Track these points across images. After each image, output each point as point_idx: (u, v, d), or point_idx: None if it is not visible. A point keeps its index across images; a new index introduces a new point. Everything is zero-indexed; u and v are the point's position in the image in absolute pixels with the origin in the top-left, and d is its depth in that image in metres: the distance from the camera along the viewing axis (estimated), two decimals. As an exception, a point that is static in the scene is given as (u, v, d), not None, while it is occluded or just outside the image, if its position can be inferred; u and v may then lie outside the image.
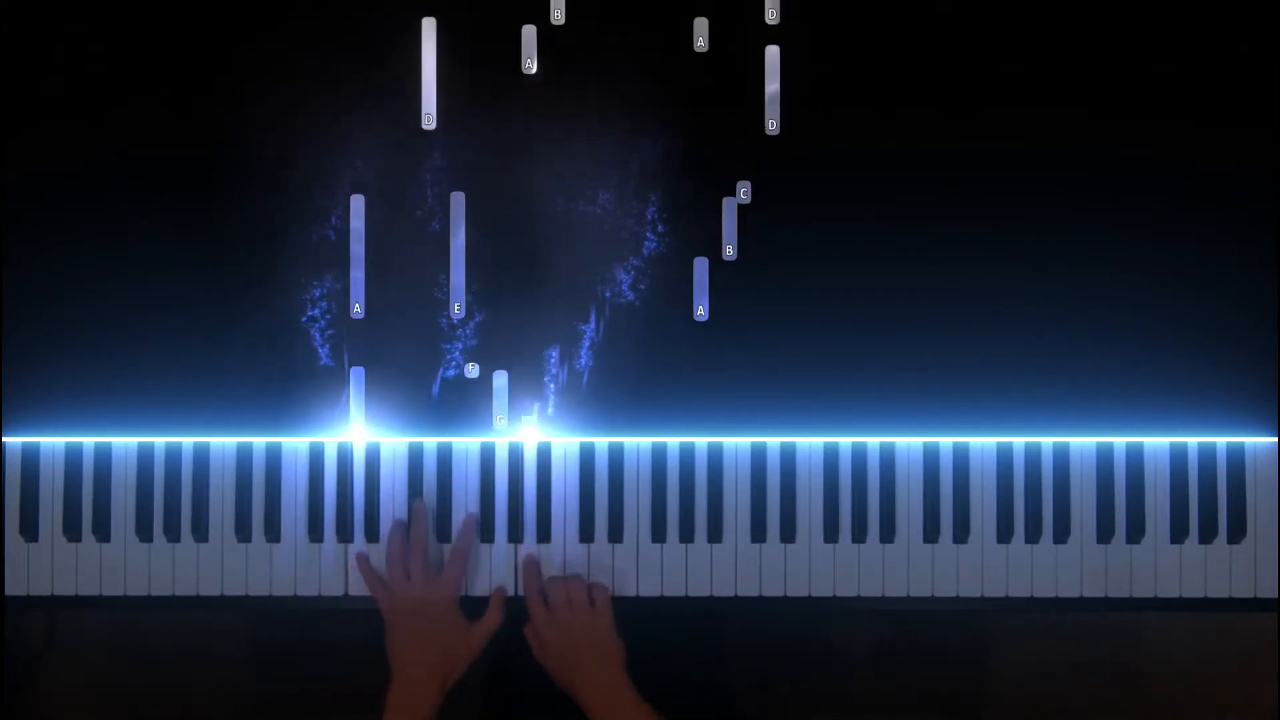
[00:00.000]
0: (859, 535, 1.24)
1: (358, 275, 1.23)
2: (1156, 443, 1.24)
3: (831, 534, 1.24)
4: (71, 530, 1.23)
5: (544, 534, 1.24)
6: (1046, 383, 1.23)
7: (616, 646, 1.18)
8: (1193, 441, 1.24)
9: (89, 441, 1.23)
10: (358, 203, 1.23)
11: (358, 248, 1.23)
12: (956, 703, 1.76)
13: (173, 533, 1.23)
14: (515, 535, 1.24)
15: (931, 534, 1.24)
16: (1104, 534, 1.24)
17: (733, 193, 1.23)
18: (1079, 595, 1.24)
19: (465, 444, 1.24)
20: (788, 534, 1.24)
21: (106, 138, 1.22)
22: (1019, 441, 1.24)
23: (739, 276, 1.23)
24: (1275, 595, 1.24)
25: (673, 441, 1.24)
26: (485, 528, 1.24)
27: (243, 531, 1.23)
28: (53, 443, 1.23)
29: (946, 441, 1.24)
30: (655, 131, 1.22)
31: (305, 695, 1.75)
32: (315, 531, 1.23)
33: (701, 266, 1.23)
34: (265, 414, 1.22)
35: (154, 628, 1.76)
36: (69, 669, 1.75)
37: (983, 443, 1.24)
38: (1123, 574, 1.24)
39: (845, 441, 1.24)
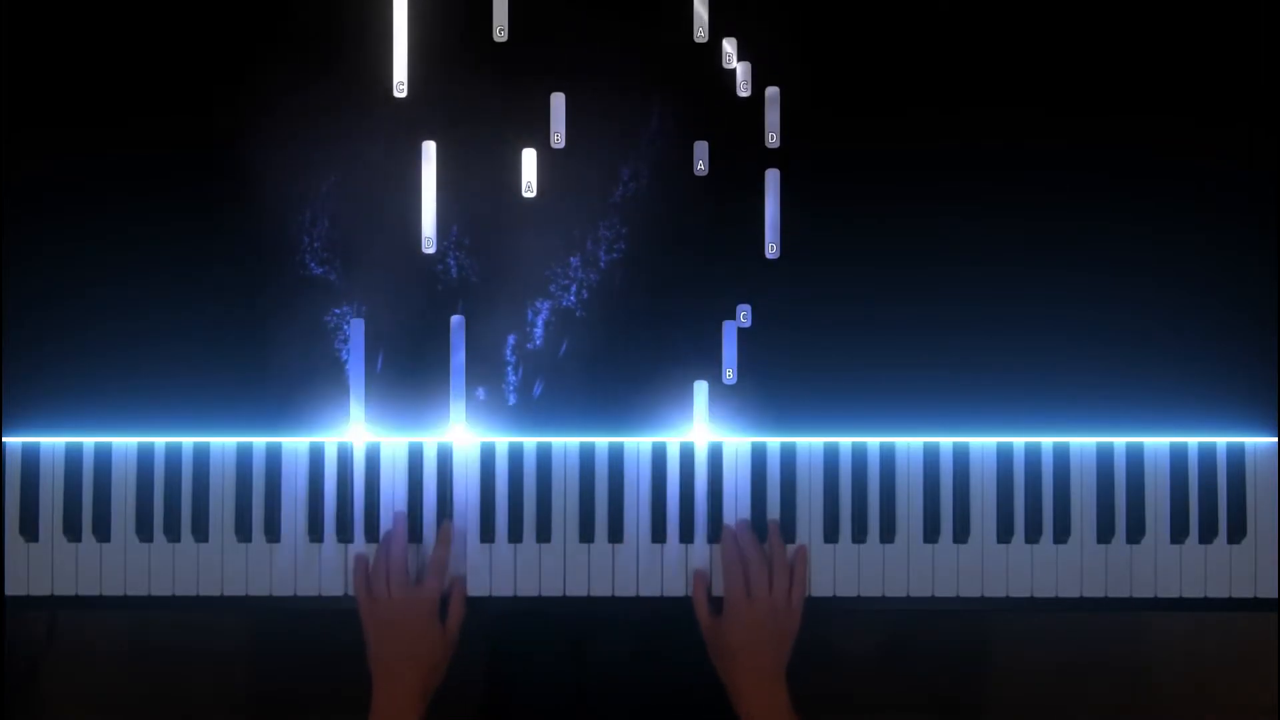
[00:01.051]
0: (859, 535, 1.24)
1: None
2: (1156, 443, 1.24)
3: (831, 534, 1.24)
4: (71, 530, 1.23)
5: (544, 534, 1.24)
6: (1046, 383, 1.23)
7: (789, 650, 1.18)
8: (1193, 441, 1.24)
9: (89, 441, 1.23)
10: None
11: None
12: (956, 703, 1.76)
13: (173, 533, 1.23)
14: (515, 535, 1.24)
15: (931, 534, 1.24)
16: (1104, 534, 1.24)
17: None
18: (1079, 595, 1.24)
19: (465, 445, 1.24)
20: (788, 534, 1.24)
21: (106, 138, 1.22)
22: (1019, 441, 1.24)
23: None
24: (1275, 595, 1.24)
25: (672, 442, 1.24)
26: (485, 528, 1.24)
27: (243, 531, 1.23)
28: (53, 443, 1.23)
29: (946, 441, 1.24)
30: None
31: (305, 695, 1.75)
32: (315, 531, 1.23)
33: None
34: (265, 414, 1.22)
35: (154, 628, 1.76)
36: (69, 669, 1.75)
37: (983, 443, 1.24)
38: (1123, 574, 1.24)
39: (845, 441, 1.24)
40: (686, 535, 1.24)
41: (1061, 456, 1.24)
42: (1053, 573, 1.24)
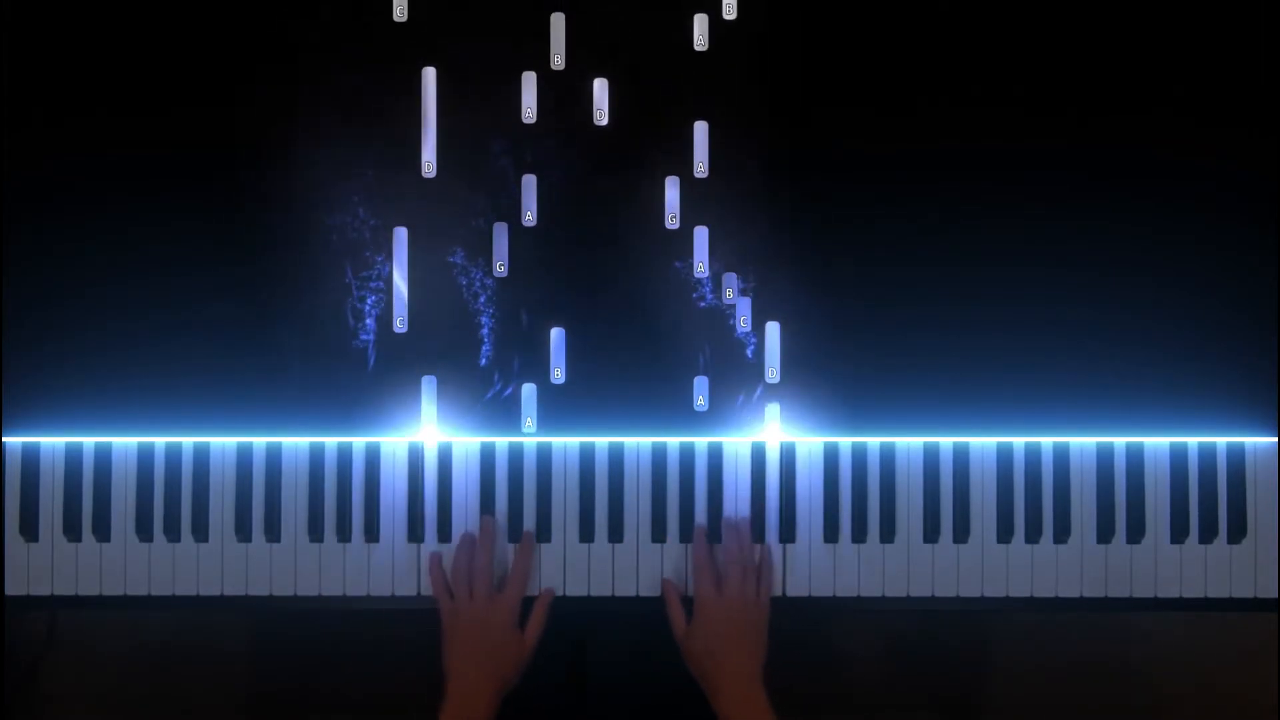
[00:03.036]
0: (859, 535, 1.24)
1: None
2: (1156, 443, 1.24)
3: (832, 534, 1.24)
4: (71, 530, 1.23)
5: (544, 534, 1.24)
6: (1046, 383, 1.23)
7: (764, 647, 1.18)
8: (1193, 441, 1.24)
9: (89, 441, 1.23)
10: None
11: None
12: (956, 703, 1.76)
13: (173, 533, 1.23)
14: (514, 536, 1.24)
15: (931, 534, 1.24)
16: (1104, 534, 1.24)
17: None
18: (1079, 595, 1.24)
19: (465, 444, 1.24)
20: (787, 534, 1.24)
21: (105, 138, 1.22)
22: (1019, 441, 1.24)
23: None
24: (1275, 595, 1.24)
25: (673, 441, 1.24)
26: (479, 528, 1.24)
27: (243, 531, 1.23)
28: (53, 443, 1.23)
29: (946, 441, 1.24)
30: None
31: (305, 695, 1.75)
32: (315, 531, 1.23)
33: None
34: (265, 414, 1.22)
35: (154, 628, 1.76)
36: (69, 669, 1.75)
37: (983, 443, 1.24)
38: (1123, 574, 1.24)
39: (845, 441, 1.24)
40: (686, 535, 1.24)
41: (1061, 456, 1.24)
42: (1053, 573, 1.24)
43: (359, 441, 1.23)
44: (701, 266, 1.23)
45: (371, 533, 1.23)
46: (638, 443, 1.24)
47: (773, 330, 1.23)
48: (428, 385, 1.23)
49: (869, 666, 1.74)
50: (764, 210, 1.23)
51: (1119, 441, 1.24)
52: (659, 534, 1.24)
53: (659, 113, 1.22)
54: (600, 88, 1.22)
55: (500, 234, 1.22)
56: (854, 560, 1.24)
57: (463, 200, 1.22)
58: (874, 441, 1.24)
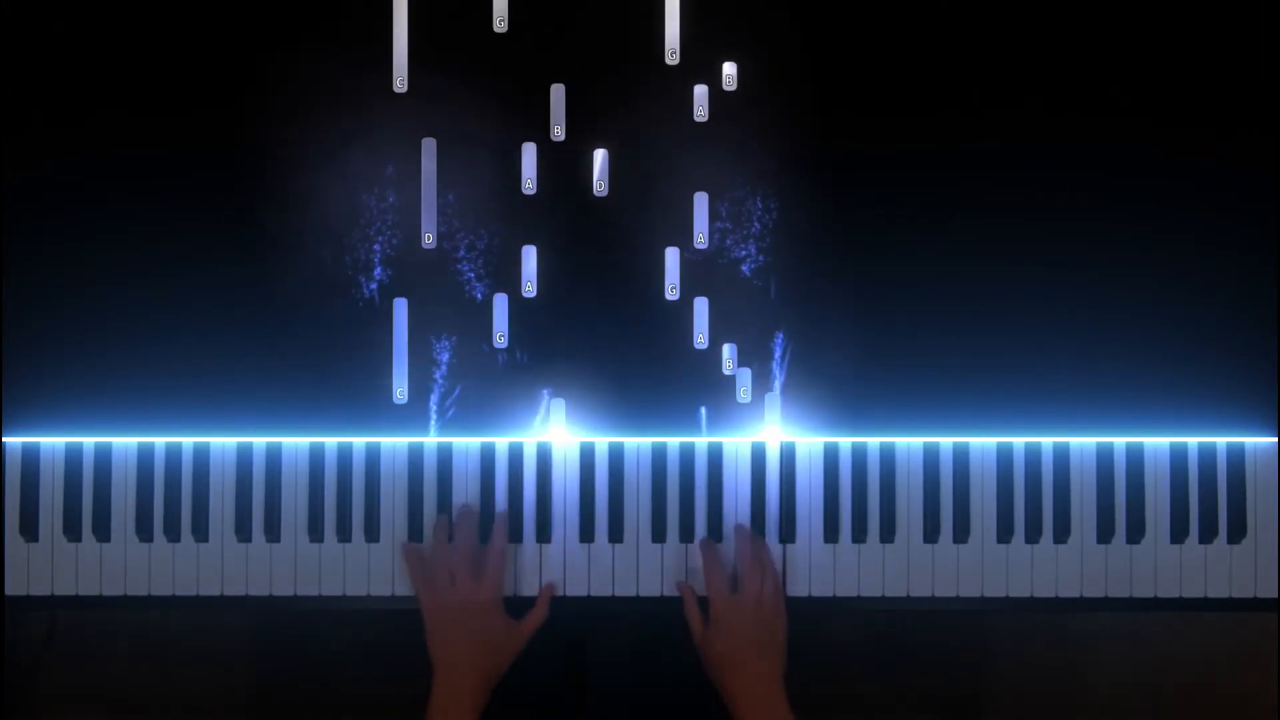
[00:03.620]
0: (859, 535, 1.24)
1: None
2: (1156, 443, 1.24)
3: (832, 534, 1.24)
4: (71, 530, 1.23)
5: (544, 534, 1.24)
6: (1046, 383, 1.23)
7: (783, 651, 1.17)
8: (1193, 441, 1.24)
9: (89, 441, 1.23)
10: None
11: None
12: (956, 703, 1.76)
13: (173, 533, 1.23)
14: (515, 536, 1.24)
15: (931, 534, 1.24)
16: (1104, 534, 1.24)
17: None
18: (1079, 595, 1.24)
19: (465, 444, 1.24)
20: (787, 534, 1.24)
21: (106, 138, 1.22)
22: (1019, 441, 1.24)
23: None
24: (1275, 595, 1.24)
25: (673, 441, 1.24)
26: (485, 528, 1.24)
27: (243, 531, 1.23)
28: (53, 443, 1.23)
29: (946, 441, 1.24)
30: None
31: (305, 695, 1.75)
32: (315, 531, 1.23)
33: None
34: (265, 414, 1.22)
35: (154, 628, 1.76)
36: (69, 669, 1.75)
37: (983, 443, 1.24)
38: (1123, 574, 1.24)
39: (845, 441, 1.24)
40: (686, 535, 1.24)
41: (1061, 456, 1.24)
42: (1053, 573, 1.24)
43: (359, 441, 1.23)
44: (702, 338, 1.23)
45: (371, 533, 1.23)
46: (638, 443, 1.24)
47: (773, 391, 1.23)
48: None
49: (869, 666, 1.74)
50: (767, 280, 1.23)
51: (1119, 441, 1.24)
52: (659, 534, 1.24)
53: (659, 184, 1.22)
54: (600, 158, 1.22)
55: (500, 305, 1.22)
56: (854, 560, 1.24)
57: (464, 270, 1.22)
58: (874, 441, 1.24)
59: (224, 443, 1.24)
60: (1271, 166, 1.23)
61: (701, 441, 1.24)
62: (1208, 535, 1.24)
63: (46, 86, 1.22)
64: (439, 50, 1.22)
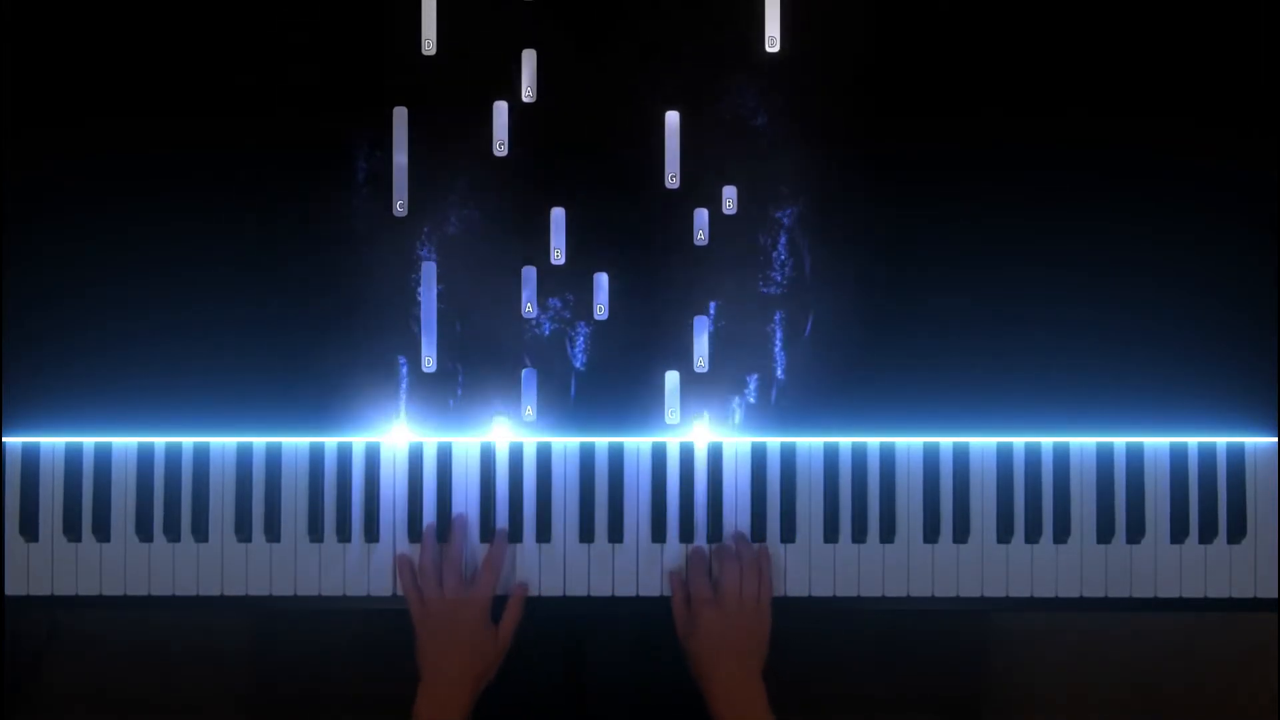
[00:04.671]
0: (859, 535, 1.24)
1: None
2: (1156, 443, 1.24)
3: (831, 534, 1.24)
4: (71, 530, 1.23)
5: (544, 534, 1.24)
6: (1046, 383, 1.23)
7: (763, 650, 1.18)
8: (1193, 441, 1.24)
9: (89, 441, 1.23)
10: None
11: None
12: (956, 703, 1.76)
13: (173, 533, 1.23)
14: (515, 535, 1.24)
15: (931, 534, 1.24)
16: (1104, 534, 1.24)
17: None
18: (1079, 595, 1.24)
19: (465, 444, 1.24)
20: (788, 534, 1.24)
21: (106, 138, 1.22)
22: (1019, 441, 1.24)
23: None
24: (1275, 595, 1.24)
25: (672, 442, 1.24)
26: (485, 528, 1.24)
27: (243, 531, 1.23)
28: (53, 443, 1.23)
29: (946, 441, 1.24)
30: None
31: (305, 695, 1.75)
32: (315, 531, 1.23)
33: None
34: (264, 413, 1.22)
35: (154, 628, 1.76)
36: (70, 669, 1.75)
37: (983, 443, 1.24)
38: (1123, 574, 1.24)
39: (845, 441, 1.24)
40: (686, 535, 1.24)
41: (1061, 456, 1.24)
42: (1053, 573, 1.24)
43: (359, 441, 1.23)
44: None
45: (371, 533, 1.23)
46: (638, 443, 1.24)
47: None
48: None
49: (869, 666, 1.75)
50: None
51: (1119, 441, 1.24)
52: (659, 534, 1.24)
53: (660, 306, 1.23)
54: (600, 282, 1.22)
55: (500, 432, 1.23)
56: (854, 560, 1.24)
57: (462, 394, 1.22)
58: (874, 441, 1.24)
59: (224, 443, 1.24)
60: (1271, 166, 1.23)
61: (701, 441, 1.24)
62: (1208, 535, 1.24)
63: (47, 87, 1.22)
64: (439, 173, 1.22)
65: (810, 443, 1.24)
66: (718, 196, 1.23)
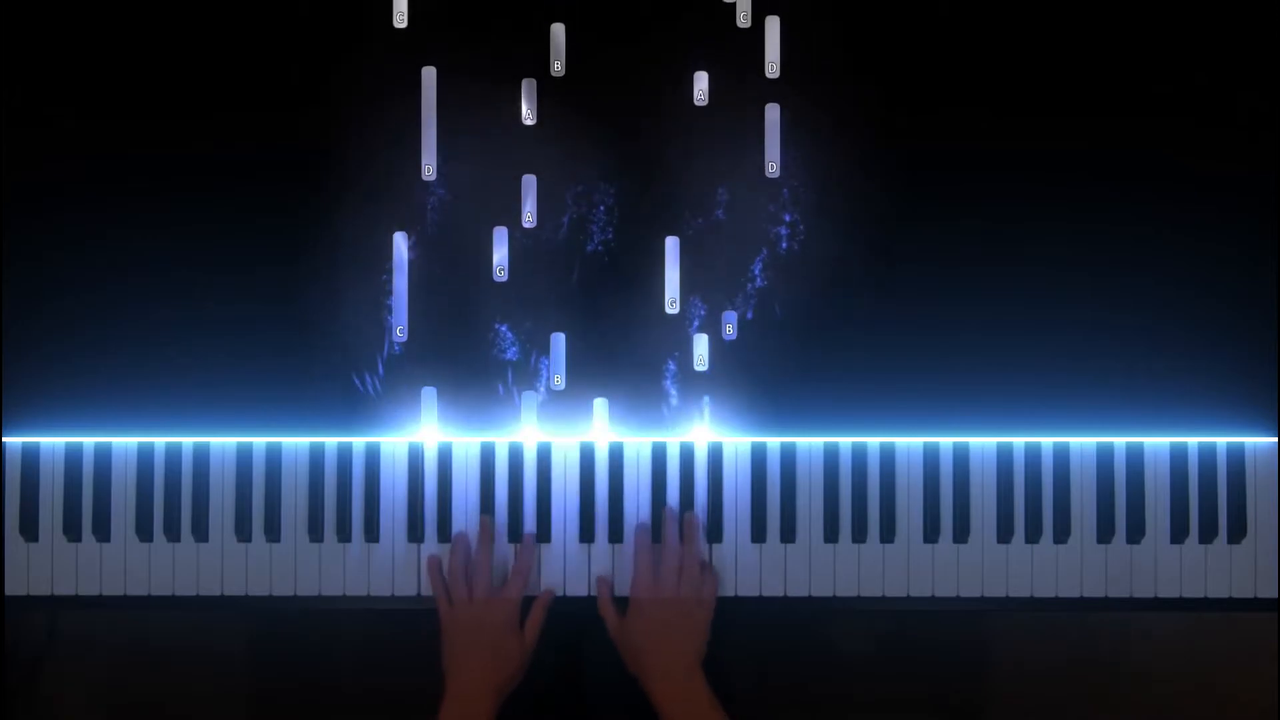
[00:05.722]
0: (859, 535, 1.24)
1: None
2: (1156, 443, 1.24)
3: (831, 534, 1.24)
4: (71, 530, 1.23)
5: (544, 534, 1.24)
6: (1046, 383, 1.23)
7: (703, 642, 1.17)
8: (1193, 441, 1.24)
9: (89, 441, 1.23)
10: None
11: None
12: (956, 703, 1.76)
13: (173, 533, 1.23)
14: (514, 536, 1.24)
15: (931, 534, 1.24)
16: (1104, 534, 1.24)
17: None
18: (1079, 595, 1.24)
19: (465, 444, 1.24)
20: (788, 534, 1.24)
21: (106, 139, 1.22)
22: (1019, 441, 1.24)
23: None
24: (1275, 595, 1.24)
25: (672, 442, 1.24)
26: (478, 528, 1.24)
27: (243, 531, 1.23)
28: (53, 443, 1.23)
29: (946, 441, 1.24)
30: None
31: (305, 695, 1.75)
32: (315, 531, 1.23)
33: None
34: (265, 414, 1.22)
35: (154, 628, 1.76)
36: (69, 669, 1.75)
37: (983, 443, 1.24)
38: (1123, 574, 1.24)
39: (845, 441, 1.24)
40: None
41: (1061, 456, 1.24)
42: (1053, 573, 1.24)
43: (359, 441, 1.23)
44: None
45: (371, 533, 1.23)
46: (638, 443, 1.24)
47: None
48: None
49: (869, 666, 1.74)
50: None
51: (1119, 441, 1.24)
52: (659, 534, 1.24)
53: (661, 430, 1.23)
54: (600, 407, 1.22)
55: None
56: (854, 560, 1.24)
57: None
58: (874, 441, 1.24)
59: (224, 443, 1.24)
60: (1271, 166, 1.23)
61: (701, 441, 1.24)
62: (1208, 535, 1.24)
63: (47, 87, 1.22)
64: (435, 300, 1.22)
65: (810, 443, 1.24)
66: (718, 323, 1.23)
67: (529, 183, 1.20)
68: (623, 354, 1.22)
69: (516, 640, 1.19)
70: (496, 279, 1.21)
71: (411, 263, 1.23)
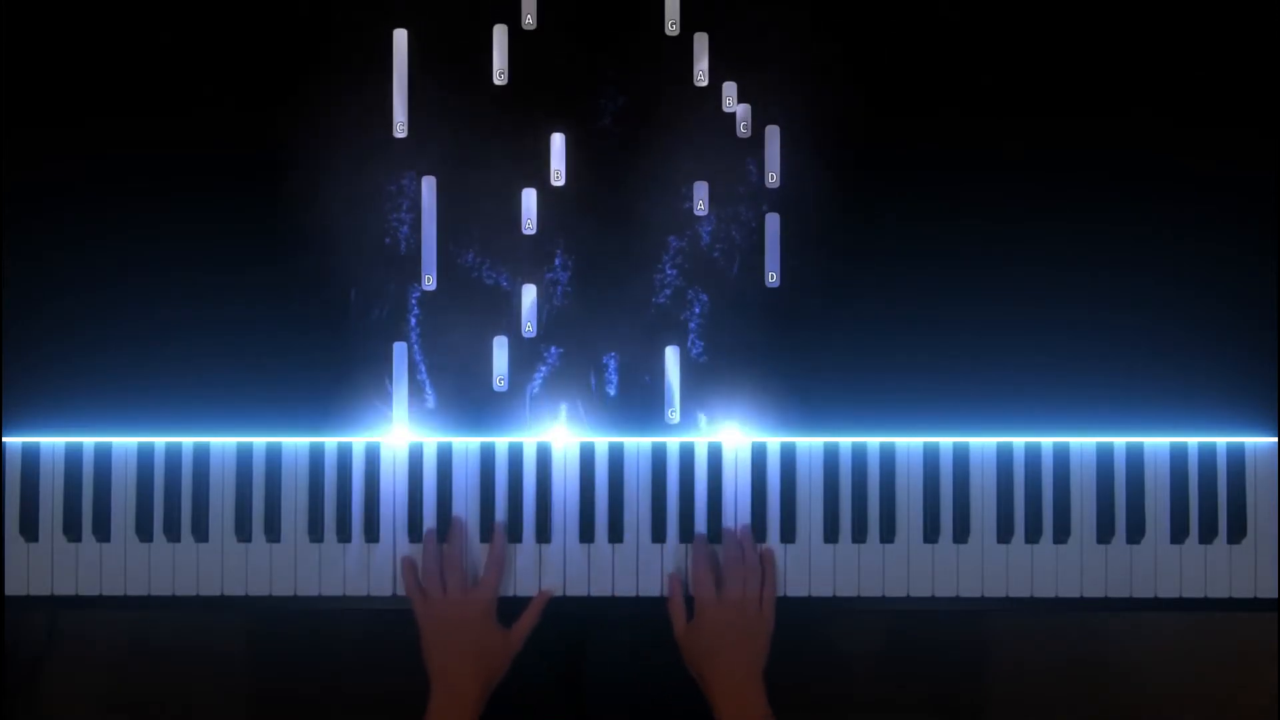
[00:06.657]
0: (859, 535, 1.24)
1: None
2: (1156, 443, 1.24)
3: (831, 534, 1.24)
4: (71, 530, 1.23)
5: (544, 534, 1.24)
6: (1046, 383, 1.23)
7: (764, 651, 1.18)
8: (1193, 441, 1.24)
9: (89, 441, 1.23)
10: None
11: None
12: (956, 703, 1.76)
13: (173, 533, 1.23)
14: (515, 535, 1.24)
15: (931, 534, 1.24)
16: (1104, 534, 1.24)
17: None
18: (1079, 595, 1.24)
19: (465, 444, 1.24)
20: (788, 534, 1.24)
21: (106, 139, 1.22)
22: (1019, 441, 1.24)
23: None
24: (1275, 595, 1.24)
25: (672, 441, 1.24)
26: (485, 528, 1.24)
27: (243, 531, 1.23)
28: (53, 443, 1.23)
29: (946, 441, 1.24)
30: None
31: (305, 695, 1.75)
32: (315, 532, 1.23)
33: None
34: (265, 414, 1.22)
35: (154, 628, 1.76)
36: (69, 669, 1.75)
37: (983, 443, 1.24)
38: (1123, 574, 1.24)
39: (845, 441, 1.24)
40: (686, 535, 1.24)
41: (1061, 456, 1.24)
42: (1053, 573, 1.24)
43: (359, 441, 1.23)
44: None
45: (371, 533, 1.23)
46: (638, 443, 1.24)
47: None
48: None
49: (869, 666, 1.75)
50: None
51: (1119, 441, 1.24)
52: (659, 534, 1.24)
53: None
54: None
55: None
56: (854, 560, 1.24)
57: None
58: (874, 441, 1.24)
59: (224, 443, 1.24)
60: (1271, 166, 1.23)
61: (702, 441, 1.24)
62: (1208, 535, 1.24)
63: (46, 86, 1.22)
64: (438, 404, 1.23)
65: (810, 443, 1.24)
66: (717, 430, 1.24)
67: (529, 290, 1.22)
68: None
69: (497, 635, 1.19)
70: (496, 388, 1.22)
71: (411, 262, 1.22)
